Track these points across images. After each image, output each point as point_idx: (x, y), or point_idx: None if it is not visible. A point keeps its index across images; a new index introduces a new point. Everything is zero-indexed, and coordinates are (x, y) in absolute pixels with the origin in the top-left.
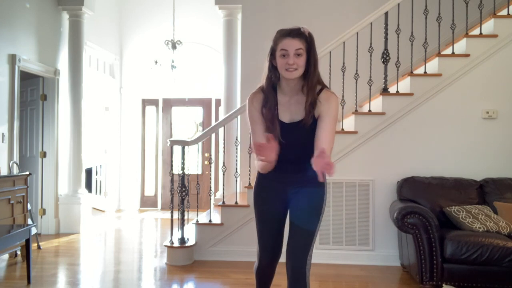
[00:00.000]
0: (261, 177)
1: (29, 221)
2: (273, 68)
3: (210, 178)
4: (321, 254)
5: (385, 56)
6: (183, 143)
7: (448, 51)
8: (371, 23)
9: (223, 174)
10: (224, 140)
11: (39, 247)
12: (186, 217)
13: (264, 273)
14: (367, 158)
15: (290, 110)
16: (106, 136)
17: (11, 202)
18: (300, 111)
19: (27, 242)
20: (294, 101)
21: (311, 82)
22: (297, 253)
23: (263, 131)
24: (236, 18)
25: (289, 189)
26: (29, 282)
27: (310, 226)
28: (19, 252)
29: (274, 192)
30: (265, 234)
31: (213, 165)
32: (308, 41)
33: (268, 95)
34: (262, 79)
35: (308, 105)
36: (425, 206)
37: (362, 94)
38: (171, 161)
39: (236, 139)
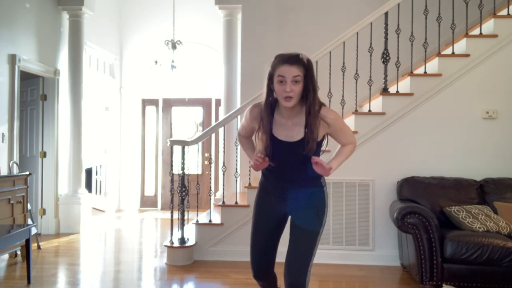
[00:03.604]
0: (260, 189)
1: (29, 221)
2: (271, 92)
3: (210, 178)
4: (321, 254)
5: (385, 56)
6: (183, 143)
7: (448, 51)
8: (371, 23)
9: (223, 174)
10: (224, 140)
11: (39, 247)
12: (186, 217)
13: (258, 280)
14: (367, 158)
15: (287, 131)
16: (106, 136)
17: (11, 202)
18: (299, 132)
19: (27, 242)
20: (292, 124)
21: (313, 110)
22: (296, 266)
23: (248, 133)
24: (236, 18)
25: (285, 204)
26: (29, 282)
27: (309, 238)
28: (19, 252)
29: (270, 205)
30: (256, 245)
31: (213, 165)
32: (306, 67)
33: (264, 116)
34: (262, 95)
35: (312, 131)
36: (425, 206)
37: (362, 94)
38: (171, 161)
39: (236, 139)
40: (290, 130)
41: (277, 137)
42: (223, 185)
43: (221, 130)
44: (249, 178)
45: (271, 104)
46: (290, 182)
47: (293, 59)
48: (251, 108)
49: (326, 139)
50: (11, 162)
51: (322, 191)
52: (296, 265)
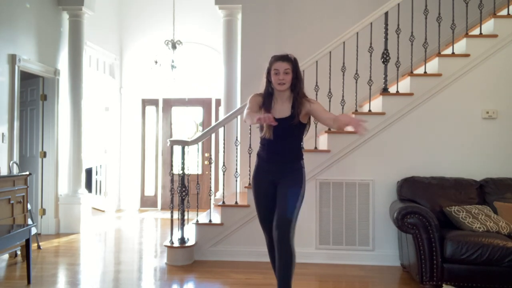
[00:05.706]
0: (256, 170)
1: (29, 221)
2: (269, 83)
3: (210, 178)
4: (321, 254)
5: (385, 56)
6: (183, 143)
7: (448, 51)
8: (371, 23)
9: (223, 174)
10: (224, 140)
11: (39, 247)
12: (186, 217)
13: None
14: (367, 158)
15: (280, 111)
16: (106, 136)
17: (11, 202)
18: (287, 111)
19: (27, 242)
20: (282, 106)
21: (297, 92)
22: (282, 224)
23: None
24: (236, 18)
25: (275, 175)
26: (29, 282)
27: (293, 195)
28: (19, 252)
29: (265, 180)
30: (262, 210)
31: (213, 165)
32: (294, 63)
33: (266, 99)
34: (261, 87)
35: (297, 108)
36: (425, 206)
37: (362, 94)
38: (171, 161)
39: (236, 139)
40: (282, 110)
41: (274, 115)
42: (223, 185)
43: (221, 130)
44: (249, 178)
45: (269, 93)
46: (281, 156)
47: (284, 57)
48: (253, 96)
49: (309, 125)
50: (11, 162)
51: (302, 170)
52: (282, 223)
